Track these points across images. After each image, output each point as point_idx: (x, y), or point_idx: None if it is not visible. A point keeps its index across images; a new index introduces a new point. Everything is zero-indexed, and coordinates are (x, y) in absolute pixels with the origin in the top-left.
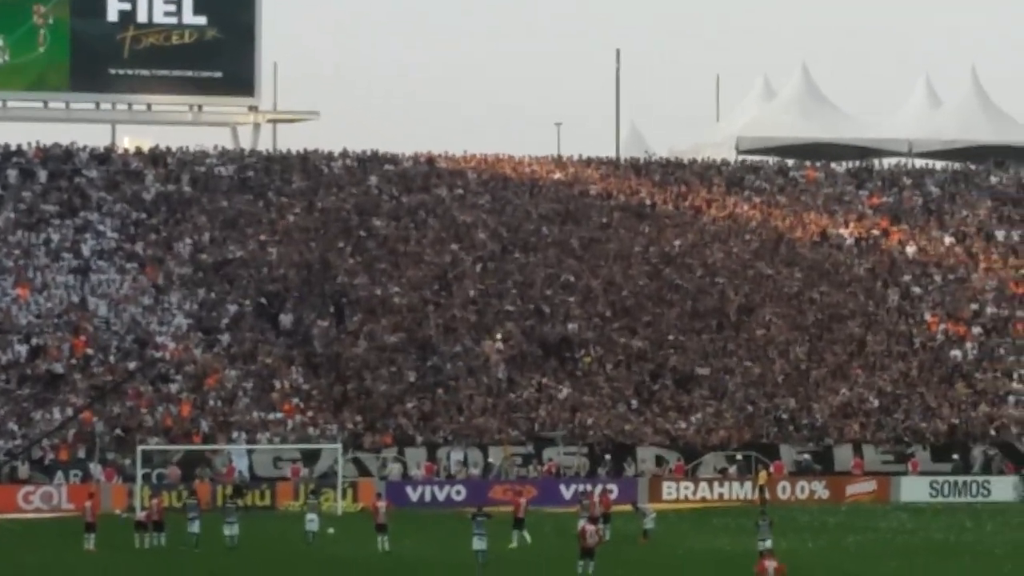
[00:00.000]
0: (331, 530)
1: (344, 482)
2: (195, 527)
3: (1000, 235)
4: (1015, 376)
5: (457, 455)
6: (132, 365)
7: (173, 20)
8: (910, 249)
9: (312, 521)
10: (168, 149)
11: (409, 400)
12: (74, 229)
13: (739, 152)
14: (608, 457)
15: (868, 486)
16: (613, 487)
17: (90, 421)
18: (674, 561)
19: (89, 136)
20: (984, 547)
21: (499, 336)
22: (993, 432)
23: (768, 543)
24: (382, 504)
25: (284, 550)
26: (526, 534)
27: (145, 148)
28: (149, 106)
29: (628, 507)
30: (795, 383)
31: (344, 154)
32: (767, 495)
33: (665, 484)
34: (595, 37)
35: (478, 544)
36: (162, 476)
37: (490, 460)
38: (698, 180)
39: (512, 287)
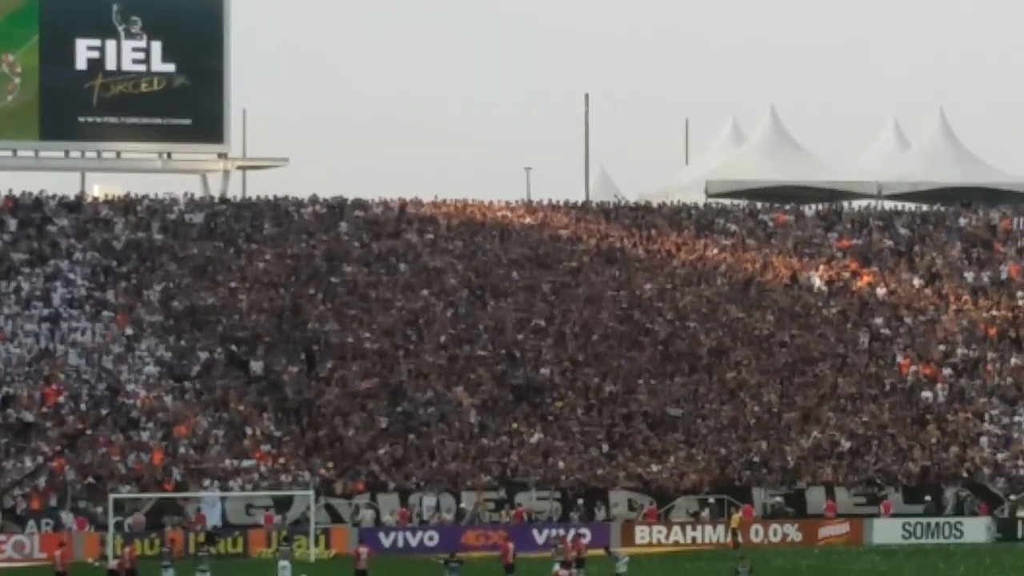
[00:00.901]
0: None
1: (317, 529)
2: (169, 575)
3: (970, 276)
4: (986, 417)
5: (429, 500)
6: (104, 412)
7: (142, 67)
8: (880, 291)
9: (285, 568)
10: (138, 196)
11: (381, 446)
12: (44, 277)
13: (708, 196)
14: (580, 501)
15: (841, 528)
16: (586, 531)
17: (61, 469)
18: None
19: (59, 184)
20: None
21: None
22: (965, 474)
23: None
24: (364, 550)
25: None
26: None
27: (115, 196)
28: (118, 154)
29: (601, 551)
30: (767, 426)
31: (314, 200)
32: (740, 538)
33: (638, 528)
34: (564, 81)
35: None
36: (126, 525)
37: (463, 505)
38: (668, 224)
39: (483, 332)
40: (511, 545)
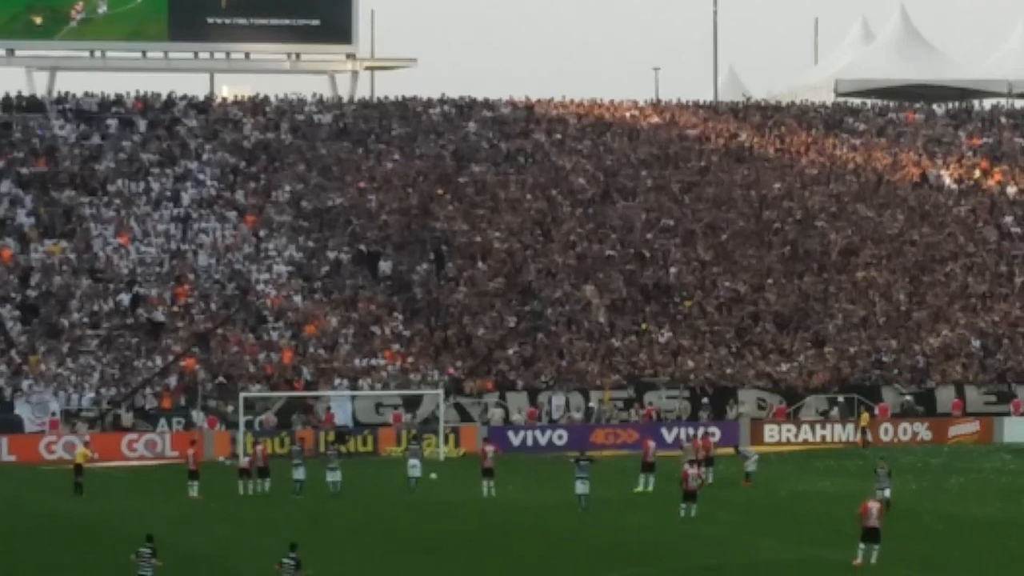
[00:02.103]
0: (433, 475)
1: (446, 428)
2: (300, 474)
3: None
4: None
5: (558, 399)
6: (233, 311)
7: None
8: (1010, 189)
9: (414, 467)
10: (266, 97)
11: (510, 345)
12: (174, 178)
13: (837, 95)
14: (708, 400)
15: (970, 427)
16: (715, 430)
17: (192, 368)
18: (777, 503)
19: (188, 85)
20: None
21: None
22: None
23: (887, 492)
24: (490, 448)
25: (388, 496)
26: (652, 478)
27: (244, 97)
28: (247, 55)
29: (730, 450)
30: (896, 325)
31: (442, 100)
32: (869, 437)
33: (767, 427)
34: None
35: (581, 488)
36: (257, 423)
37: (591, 404)
38: (796, 123)
39: (611, 232)
40: (652, 444)
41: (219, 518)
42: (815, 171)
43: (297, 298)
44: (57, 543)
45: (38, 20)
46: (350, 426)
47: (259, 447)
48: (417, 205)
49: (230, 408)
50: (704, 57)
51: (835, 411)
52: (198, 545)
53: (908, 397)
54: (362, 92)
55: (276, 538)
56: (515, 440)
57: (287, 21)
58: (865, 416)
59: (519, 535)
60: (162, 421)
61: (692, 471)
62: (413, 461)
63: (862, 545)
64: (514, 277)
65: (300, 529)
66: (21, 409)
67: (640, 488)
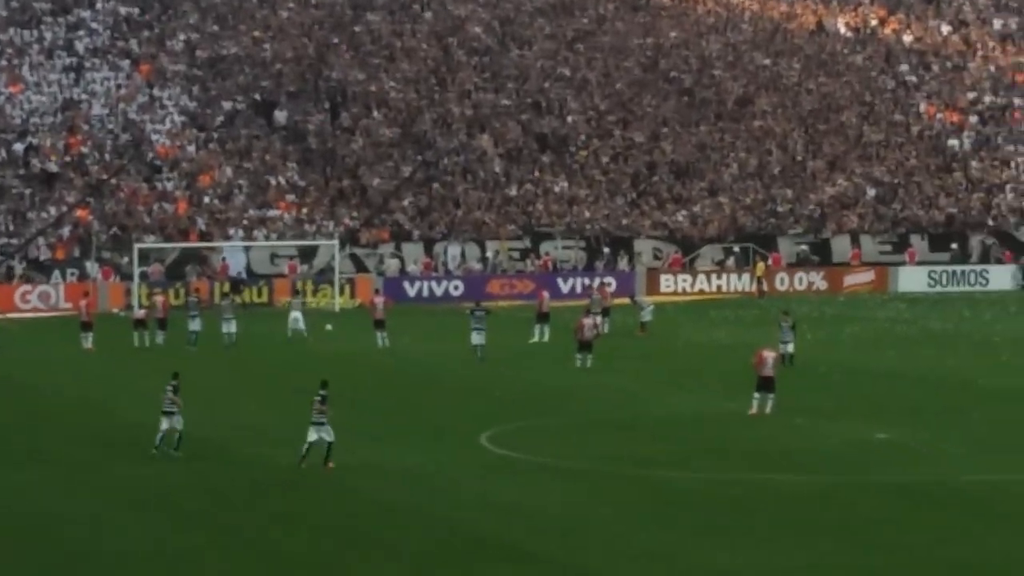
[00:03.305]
0: (328, 327)
1: (341, 278)
2: (195, 325)
3: (998, 24)
4: (1012, 165)
5: (454, 250)
6: (126, 161)
7: None
8: (907, 38)
9: (296, 319)
10: None
11: (405, 196)
12: (67, 27)
13: None
14: (606, 250)
15: (866, 276)
16: (611, 280)
17: (86, 220)
18: (672, 353)
19: None
20: (982, 335)
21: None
22: (991, 221)
23: (790, 347)
24: (380, 300)
25: (282, 347)
26: (547, 329)
27: None
28: None
29: (626, 300)
30: (792, 174)
31: None
32: (765, 287)
33: (663, 276)
34: None
35: (476, 339)
36: (145, 275)
37: (487, 255)
38: None
39: (508, 80)
40: (546, 295)
41: (111, 369)
42: (711, 20)
43: (191, 148)
44: None
45: None
46: (245, 277)
47: (159, 298)
48: (312, 54)
49: (125, 259)
50: None
51: (731, 261)
52: (91, 392)
53: (803, 247)
54: None
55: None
56: (411, 291)
57: None
58: (761, 266)
59: (416, 386)
60: (56, 272)
61: (588, 321)
62: (295, 314)
63: (757, 395)
64: (409, 127)
65: (195, 379)
66: None
67: (535, 339)
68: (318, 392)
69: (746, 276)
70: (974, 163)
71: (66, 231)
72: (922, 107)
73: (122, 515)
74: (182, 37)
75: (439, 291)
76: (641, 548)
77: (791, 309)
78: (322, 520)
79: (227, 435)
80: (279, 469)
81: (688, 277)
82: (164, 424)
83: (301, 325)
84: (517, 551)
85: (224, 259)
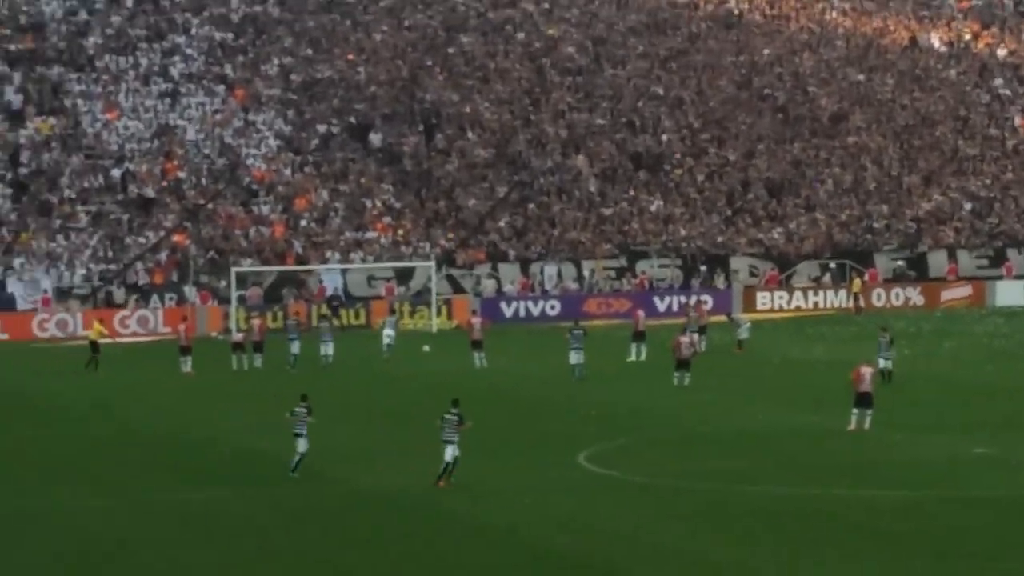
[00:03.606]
0: (426, 348)
1: (438, 300)
2: (295, 348)
3: None
4: None
5: (551, 270)
6: (223, 186)
7: None
8: (1001, 52)
9: (389, 336)
10: None
11: (501, 216)
12: (162, 53)
13: None
14: (702, 268)
15: (963, 291)
16: (707, 298)
17: (183, 244)
18: (770, 370)
19: None
20: None
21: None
22: None
23: (889, 362)
24: (477, 320)
25: (379, 369)
26: (644, 347)
27: None
28: None
29: (723, 318)
30: (887, 190)
31: None
32: (862, 303)
33: (759, 294)
34: None
35: (575, 358)
36: (243, 298)
37: (583, 274)
38: None
39: (601, 100)
40: (641, 313)
41: (213, 394)
42: (804, 36)
43: (287, 172)
44: (50, 421)
45: None
46: (342, 297)
47: (256, 321)
48: (406, 76)
49: (222, 283)
50: None
51: (827, 277)
52: (194, 420)
53: (900, 262)
54: None
55: (269, 411)
56: (508, 311)
57: None
58: (857, 282)
59: (513, 406)
60: (154, 297)
61: (685, 339)
62: (388, 331)
63: (855, 410)
64: (504, 148)
65: (293, 402)
66: (13, 287)
67: (632, 358)
68: (449, 410)
69: (843, 292)
70: None
71: (164, 256)
72: (1017, 120)
73: (199, 538)
74: (276, 61)
75: (536, 311)
76: (728, 562)
77: (889, 324)
78: (407, 546)
79: (320, 457)
80: (370, 490)
81: (784, 294)
82: (301, 446)
83: (392, 341)
84: (610, 571)
85: (321, 282)
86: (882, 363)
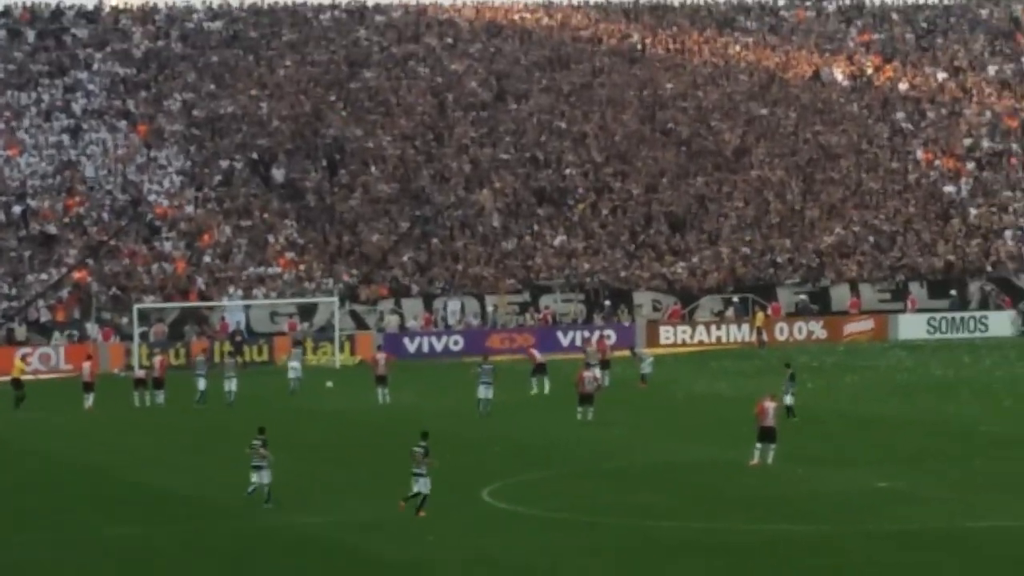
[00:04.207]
0: (329, 384)
1: (341, 335)
2: (203, 384)
3: (992, 69)
4: (1010, 210)
5: (454, 305)
6: (125, 222)
7: None
8: (903, 86)
9: (295, 369)
10: (155, 6)
11: (404, 251)
12: (64, 88)
13: None
14: (606, 303)
15: (866, 325)
16: (611, 333)
17: (85, 281)
18: (673, 404)
19: None
20: (983, 382)
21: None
22: (989, 267)
23: (789, 398)
24: (381, 356)
25: (283, 405)
26: (546, 380)
27: (133, 5)
28: None
29: (626, 352)
30: (790, 224)
31: (333, 5)
32: (765, 337)
33: (662, 328)
34: None
35: (483, 392)
36: (146, 335)
37: (487, 309)
38: (688, 22)
39: (505, 135)
40: (535, 351)
41: (115, 429)
42: (708, 70)
43: (190, 208)
44: None
45: None
46: (245, 334)
47: (159, 359)
48: (309, 112)
49: (124, 320)
50: None
51: (730, 311)
52: (95, 457)
53: (803, 296)
54: None
55: (173, 448)
56: (411, 347)
57: None
58: (760, 316)
59: (416, 441)
60: (56, 334)
61: (588, 374)
62: (294, 364)
63: (759, 445)
64: (407, 183)
65: (199, 439)
66: None
67: (535, 391)
68: (418, 443)
69: (746, 326)
70: (972, 209)
71: (66, 292)
72: (919, 154)
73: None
74: (179, 97)
75: (439, 346)
76: None
77: (792, 360)
78: None
79: (217, 493)
80: (275, 527)
81: (688, 328)
82: (254, 478)
83: (299, 374)
84: None
85: (224, 318)
86: (787, 400)
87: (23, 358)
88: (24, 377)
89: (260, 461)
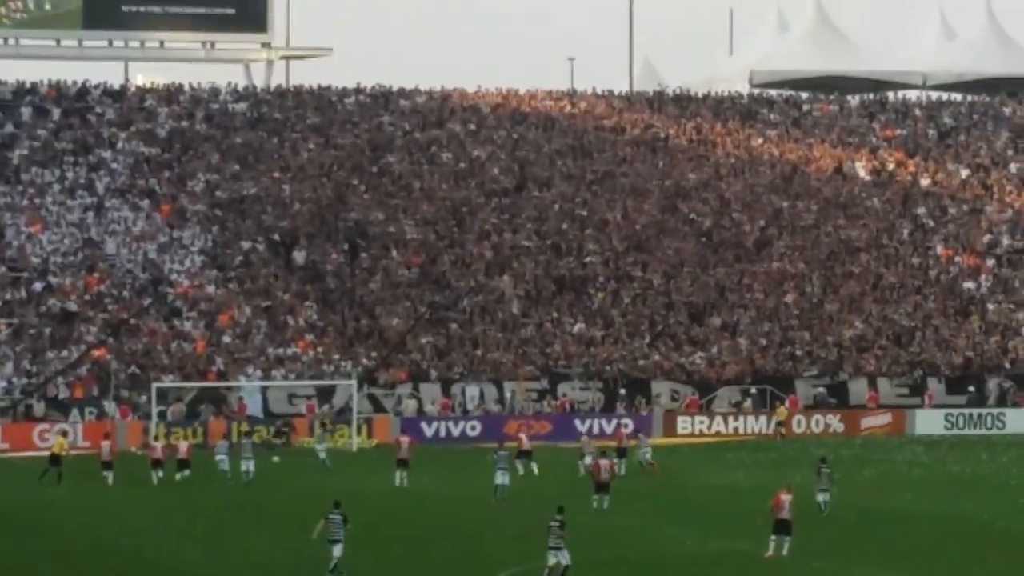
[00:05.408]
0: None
1: (359, 418)
2: (225, 464)
3: (1015, 167)
4: None
5: (472, 390)
6: (146, 301)
7: None
8: (924, 181)
9: (322, 450)
10: (181, 86)
11: (423, 336)
12: (88, 167)
13: (752, 85)
14: (623, 391)
15: (883, 419)
16: (628, 422)
17: (105, 358)
18: (690, 495)
19: (102, 73)
20: (1000, 479)
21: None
22: (1008, 364)
23: (827, 496)
24: (405, 440)
25: (301, 486)
26: (534, 465)
27: (159, 85)
28: (162, 43)
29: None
30: (810, 316)
31: (358, 90)
32: (783, 429)
33: (680, 418)
34: None
35: (500, 479)
36: (164, 414)
37: (505, 395)
38: (712, 114)
39: (526, 222)
40: (522, 436)
41: (133, 506)
42: (730, 162)
43: (210, 288)
44: None
45: None
46: (261, 416)
47: (184, 443)
48: (332, 195)
49: (143, 398)
50: (620, 47)
51: (748, 403)
52: (114, 533)
53: (821, 389)
54: (277, 81)
55: (192, 525)
56: (428, 431)
57: (202, 10)
58: (782, 409)
59: (432, 525)
60: (74, 411)
61: (604, 462)
62: (320, 446)
63: (774, 537)
64: (428, 267)
65: (217, 517)
66: None
67: (522, 472)
68: (554, 517)
69: (763, 418)
70: (991, 306)
71: (84, 370)
72: (939, 250)
73: None
74: (202, 177)
75: (456, 431)
76: None
77: (827, 458)
78: None
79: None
80: None
81: (705, 419)
82: (336, 551)
83: (324, 456)
84: None
85: (242, 398)
86: (820, 496)
87: (63, 434)
88: (62, 453)
89: (337, 535)
